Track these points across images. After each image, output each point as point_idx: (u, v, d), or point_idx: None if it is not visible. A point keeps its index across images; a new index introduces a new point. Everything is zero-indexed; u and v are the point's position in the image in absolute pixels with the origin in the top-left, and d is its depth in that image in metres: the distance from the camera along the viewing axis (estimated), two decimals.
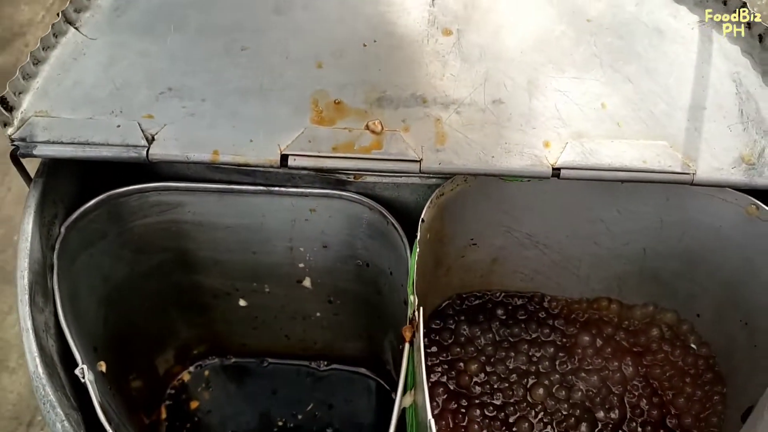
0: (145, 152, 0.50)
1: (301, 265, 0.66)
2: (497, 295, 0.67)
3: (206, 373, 0.80)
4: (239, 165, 0.50)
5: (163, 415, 0.76)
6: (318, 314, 0.73)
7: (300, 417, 0.77)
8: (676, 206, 0.55)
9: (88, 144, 0.50)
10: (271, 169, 0.56)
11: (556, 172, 0.50)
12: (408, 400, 0.49)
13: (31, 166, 0.52)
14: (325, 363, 0.80)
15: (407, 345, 0.49)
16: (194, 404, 0.78)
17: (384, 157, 0.51)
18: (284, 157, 0.50)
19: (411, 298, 0.50)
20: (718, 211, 0.54)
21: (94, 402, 0.46)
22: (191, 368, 0.79)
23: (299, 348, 0.78)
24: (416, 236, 0.51)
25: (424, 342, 0.63)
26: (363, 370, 0.79)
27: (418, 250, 0.50)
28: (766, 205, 0.52)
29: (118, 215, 0.59)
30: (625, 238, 0.59)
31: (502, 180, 0.55)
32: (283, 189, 0.58)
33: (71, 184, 0.56)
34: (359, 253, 0.63)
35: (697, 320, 0.63)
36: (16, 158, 0.50)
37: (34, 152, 0.50)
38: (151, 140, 0.50)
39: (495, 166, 0.51)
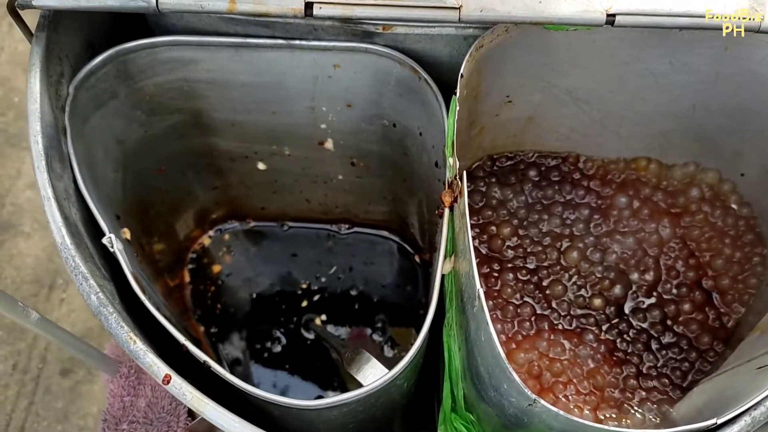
0: (154, 1, 0.44)
1: (323, 125, 0.62)
2: (530, 155, 0.63)
3: (226, 237, 0.78)
4: (259, 15, 0.45)
5: (187, 279, 0.76)
6: (340, 177, 0.70)
7: (323, 279, 0.77)
8: (736, 57, 0.50)
9: None
10: (293, 21, 0.51)
11: (611, 18, 0.45)
12: (447, 267, 0.48)
13: (31, 21, 0.48)
14: (347, 227, 0.79)
15: (447, 211, 0.47)
16: (216, 268, 0.77)
17: (419, 3, 0.45)
18: (309, 5, 0.45)
19: (450, 160, 0.47)
20: None
21: (126, 271, 0.44)
22: (211, 232, 0.78)
23: (320, 211, 0.76)
24: (455, 93, 0.47)
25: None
26: (385, 233, 0.78)
27: (457, 108, 0.46)
28: None
29: (127, 73, 0.54)
30: (674, 93, 0.55)
31: (546, 29, 0.50)
32: (304, 43, 0.53)
33: (76, 39, 0.51)
34: (386, 113, 0.59)
35: (741, 179, 0.60)
36: (14, 10, 0.45)
37: (33, 2, 0.45)
38: None
39: (543, 13, 0.45)
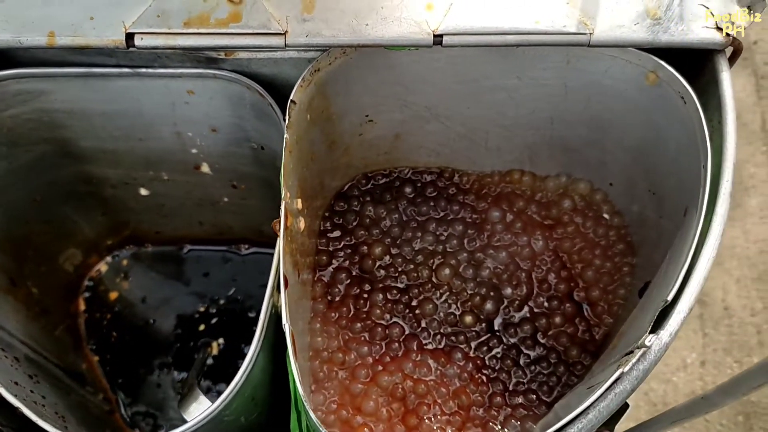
0: None
1: (194, 150, 0.62)
2: (405, 172, 0.63)
3: (124, 262, 0.78)
4: (80, 47, 0.45)
5: (82, 308, 0.75)
6: (225, 199, 0.69)
7: (222, 301, 0.76)
8: (579, 70, 0.50)
9: None
10: (121, 50, 0.50)
11: (438, 39, 0.45)
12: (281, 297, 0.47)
13: None
14: (246, 246, 0.78)
15: (279, 240, 0.46)
16: (113, 295, 0.76)
17: (244, 31, 0.45)
18: (130, 36, 0.45)
19: (283, 191, 0.46)
20: (622, 73, 0.49)
21: None
22: (108, 258, 0.77)
23: (215, 233, 0.75)
24: (284, 120, 0.46)
25: (325, 226, 0.61)
26: None
27: (288, 136, 0.46)
28: (671, 66, 0.47)
29: None
30: (529, 107, 0.55)
31: (388, 50, 0.50)
32: (151, 71, 0.52)
33: None
34: (251, 135, 0.59)
35: (611, 189, 0.60)
36: None
37: None
38: None
39: (369, 36, 0.45)
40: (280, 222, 0.44)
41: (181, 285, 0.77)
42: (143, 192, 0.68)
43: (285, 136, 0.45)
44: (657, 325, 0.40)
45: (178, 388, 0.72)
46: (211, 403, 0.41)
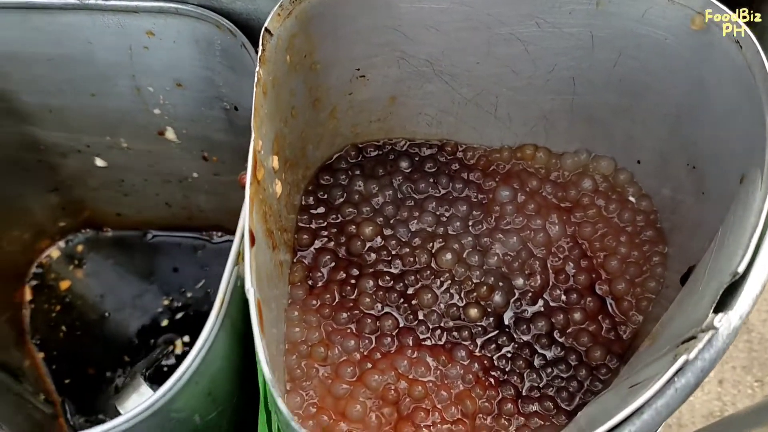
0: None
1: (157, 111, 0.53)
2: (401, 144, 0.55)
3: (79, 248, 0.68)
4: None
5: (28, 297, 0.66)
6: (195, 175, 0.61)
7: (189, 294, 0.67)
8: (610, 14, 0.42)
9: None
10: None
11: None
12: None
13: None
14: (219, 234, 0.69)
15: (246, 196, 0.38)
16: (65, 284, 0.67)
17: None
18: None
19: (253, 134, 0.37)
20: (662, 17, 0.42)
21: None
22: (61, 243, 0.68)
23: (184, 217, 0.67)
24: (257, 51, 0.38)
25: (308, 201, 0.52)
26: None
27: (260, 72, 0.37)
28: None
29: None
30: (548, 63, 0.47)
31: None
32: (102, 2, 0.44)
33: None
34: (223, 93, 0.51)
35: (638, 168, 0.52)
36: None
37: None
38: None
39: None
40: (248, 173, 0.35)
41: (143, 275, 0.68)
42: (99, 163, 0.59)
43: (257, 69, 0.37)
44: (719, 308, 0.31)
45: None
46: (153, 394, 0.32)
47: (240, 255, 0.36)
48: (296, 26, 0.41)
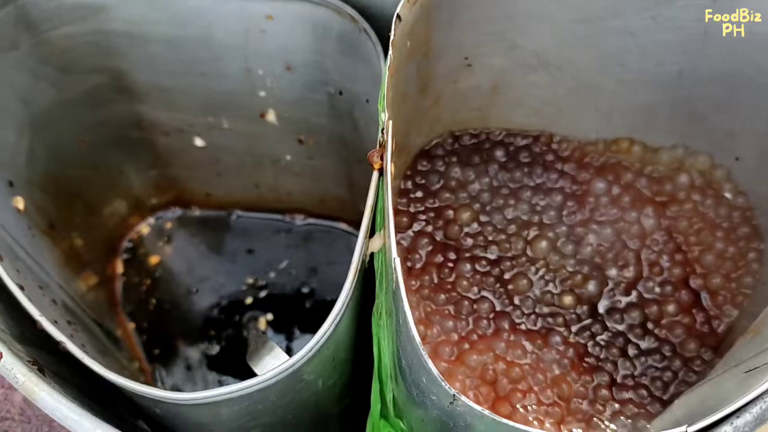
0: None
1: (262, 93, 0.55)
2: (497, 133, 0.56)
3: (168, 225, 0.71)
4: None
5: (119, 270, 0.68)
6: (288, 158, 0.62)
7: (272, 275, 0.69)
8: (728, 7, 0.43)
9: None
10: None
11: None
12: (377, 244, 0.40)
13: None
14: (302, 217, 0.71)
15: (375, 174, 0.39)
16: (154, 259, 0.69)
17: None
18: None
19: (381, 115, 0.39)
20: None
21: None
22: (151, 220, 0.70)
23: (271, 199, 0.69)
24: (389, 35, 0.39)
25: (407, 186, 0.54)
26: (343, 226, 0.70)
27: (391, 55, 0.39)
28: None
29: (30, 20, 0.47)
30: (658, 57, 0.47)
31: None
32: None
33: None
34: (331, 77, 0.52)
35: (735, 165, 0.52)
36: None
37: None
38: None
39: None
40: (384, 149, 0.36)
41: (227, 254, 0.70)
42: (198, 143, 0.61)
43: (389, 53, 0.38)
44: None
45: (220, 366, 0.65)
46: (288, 357, 0.33)
47: (366, 235, 0.37)
48: (419, 13, 0.42)
